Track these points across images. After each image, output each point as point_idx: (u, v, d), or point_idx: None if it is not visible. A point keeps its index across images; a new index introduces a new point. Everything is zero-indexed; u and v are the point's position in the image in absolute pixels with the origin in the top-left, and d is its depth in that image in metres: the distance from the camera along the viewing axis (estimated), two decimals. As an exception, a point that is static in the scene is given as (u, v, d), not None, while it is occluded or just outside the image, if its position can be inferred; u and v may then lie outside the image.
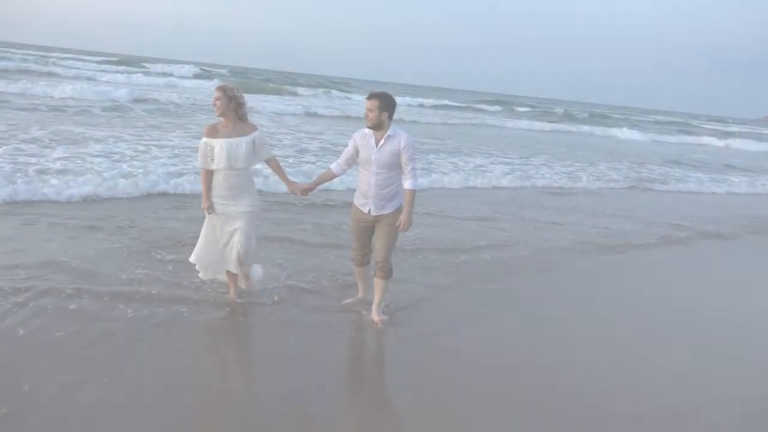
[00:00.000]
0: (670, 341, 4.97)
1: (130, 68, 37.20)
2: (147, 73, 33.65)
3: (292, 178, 4.99)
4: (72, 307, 4.35)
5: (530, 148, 19.36)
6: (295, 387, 3.67)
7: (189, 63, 44.25)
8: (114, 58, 48.86)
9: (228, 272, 4.72)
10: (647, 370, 4.39)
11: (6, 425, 2.96)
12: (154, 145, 11.17)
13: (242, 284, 4.83)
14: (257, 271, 4.78)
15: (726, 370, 4.51)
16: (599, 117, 47.36)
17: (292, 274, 5.44)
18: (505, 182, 12.22)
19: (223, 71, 47.82)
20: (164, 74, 34.57)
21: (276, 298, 4.90)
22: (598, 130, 33.97)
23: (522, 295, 5.80)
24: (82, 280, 4.79)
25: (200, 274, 4.80)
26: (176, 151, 10.77)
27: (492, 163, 14.39)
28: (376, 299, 4.76)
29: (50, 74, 26.57)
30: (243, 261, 4.58)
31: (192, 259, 4.69)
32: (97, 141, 10.97)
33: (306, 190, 4.74)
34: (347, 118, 22.50)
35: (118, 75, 30.35)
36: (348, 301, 4.96)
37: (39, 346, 3.78)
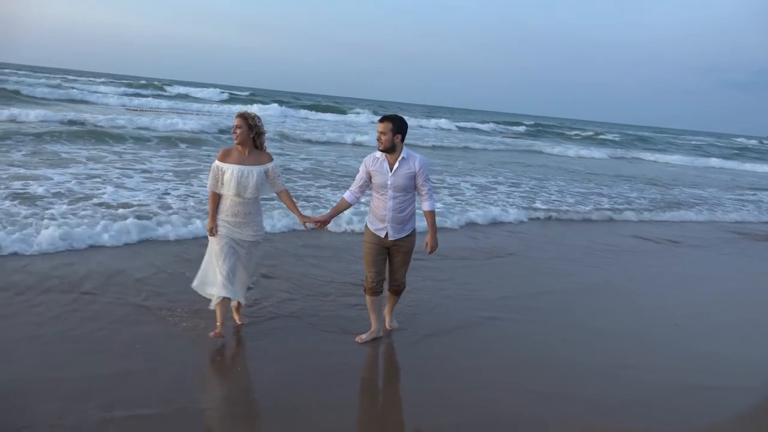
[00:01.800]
0: None
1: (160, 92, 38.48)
2: (178, 97, 34.81)
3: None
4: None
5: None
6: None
7: (211, 85, 45.44)
8: (127, 81, 50.48)
9: (220, 305, 4.38)
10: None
11: None
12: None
13: (237, 319, 4.65)
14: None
15: None
16: (640, 141, 46.00)
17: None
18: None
19: (244, 93, 48.67)
20: (195, 98, 35.71)
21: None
22: (656, 157, 31.74)
23: None
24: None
25: (214, 298, 4.42)
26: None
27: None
28: (389, 307, 4.85)
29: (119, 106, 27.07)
30: (242, 294, 4.48)
31: (195, 284, 4.48)
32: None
33: (322, 223, 4.57)
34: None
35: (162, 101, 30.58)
36: (363, 337, 4.62)
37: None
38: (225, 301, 4.40)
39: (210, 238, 4.43)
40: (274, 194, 4.57)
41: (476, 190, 12.82)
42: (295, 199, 4.98)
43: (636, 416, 3.86)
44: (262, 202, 4.59)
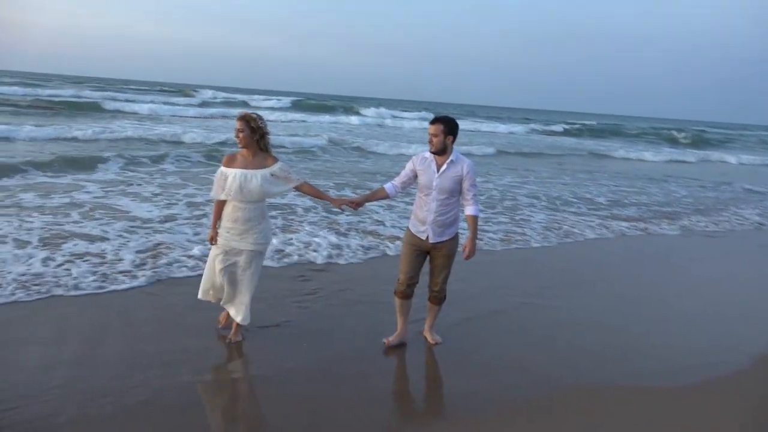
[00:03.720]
0: None
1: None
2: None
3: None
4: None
5: None
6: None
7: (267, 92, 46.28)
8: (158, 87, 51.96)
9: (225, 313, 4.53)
10: None
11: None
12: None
13: (232, 335, 4.47)
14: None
15: None
16: (702, 141, 42.07)
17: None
18: None
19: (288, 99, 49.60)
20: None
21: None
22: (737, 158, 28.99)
23: None
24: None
25: (213, 301, 4.56)
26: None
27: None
28: (430, 321, 4.77)
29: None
30: (244, 315, 4.39)
31: (200, 295, 4.52)
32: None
33: (356, 204, 4.57)
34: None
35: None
36: (391, 339, 4.61)
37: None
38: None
39: (212, 247, 4.41)
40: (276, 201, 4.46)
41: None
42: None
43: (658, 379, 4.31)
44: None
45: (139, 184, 10.13)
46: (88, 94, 32.71)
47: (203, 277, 4.49)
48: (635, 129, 48.59)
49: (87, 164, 11.39)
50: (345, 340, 4.67)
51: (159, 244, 6.63)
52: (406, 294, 4.53)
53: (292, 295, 5.56)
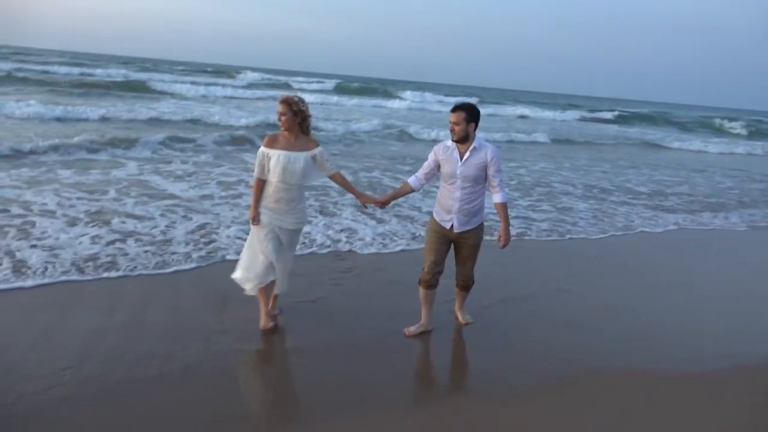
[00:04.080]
0: None
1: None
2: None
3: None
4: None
5: None
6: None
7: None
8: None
9: (262, 290, 4.45)
10: None
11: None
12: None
13: (271, 308, 4.61)
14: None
15: None
16: (758, 132, 38.76)
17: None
18: None
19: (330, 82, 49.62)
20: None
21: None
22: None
23: None
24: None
25: (247, 290, 4.54)
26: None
27: None
28: (459, 303, 4.83)
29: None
30: (282, 287, 4.54)
31: (237, 275, 4.49)
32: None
33: (381, 203, 4.58)
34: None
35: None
36: (411, 329, 4.56)
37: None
38: (267, 287, 4.46)
39: (252, 227, 4.41)
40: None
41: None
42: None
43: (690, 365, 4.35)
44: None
45: (184, 162, 10.53)
46: (138, 76, 33.53)
47: (243, 258, 4.49)
48: (685, 117, 47.05)
49: (128, 142, 11.66)
50: (377, 319, 4.83)
51: (205, 224, 6.88)
52: (431, 283, 4.45)
53: (329, 273, 5.77)
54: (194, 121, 16.77)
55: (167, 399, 3.46)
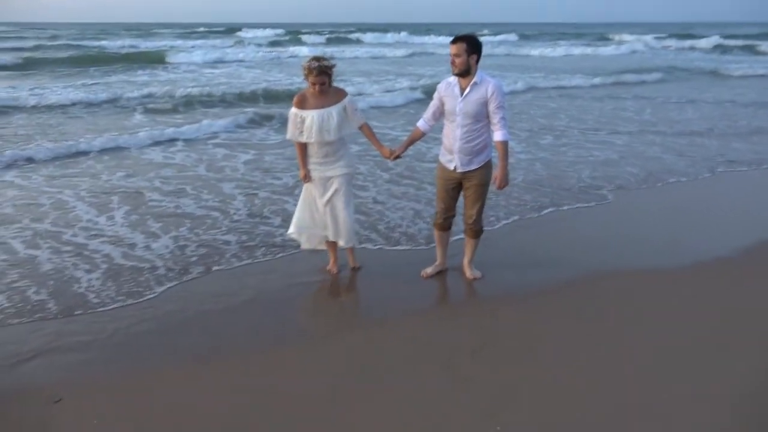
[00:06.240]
0: None
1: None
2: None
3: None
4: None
5: None
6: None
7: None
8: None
9: (328, 242, 4.66)
10: None
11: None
12: None
13: (351, 262, 4.80)
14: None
15: None
16: None
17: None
18: None
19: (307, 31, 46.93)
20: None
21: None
22: None
23: None
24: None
25: (302, 245, 4.75)
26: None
27: None
28: (467, 257, 4.67)
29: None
30: (348, 236, 4.58)
31: (291, 230, 4.64)
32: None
33: (397, 155, 4.46)
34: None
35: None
36: (428, 270, 4.66)
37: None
38: (332, 242, 4.67)
39: (305, 185, 4.51)
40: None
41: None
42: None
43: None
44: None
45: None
46: (147, 45, 32.83)
47: (297, 214, 4.60)
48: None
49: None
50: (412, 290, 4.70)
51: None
52: (443, 226, 4.56)
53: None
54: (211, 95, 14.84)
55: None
